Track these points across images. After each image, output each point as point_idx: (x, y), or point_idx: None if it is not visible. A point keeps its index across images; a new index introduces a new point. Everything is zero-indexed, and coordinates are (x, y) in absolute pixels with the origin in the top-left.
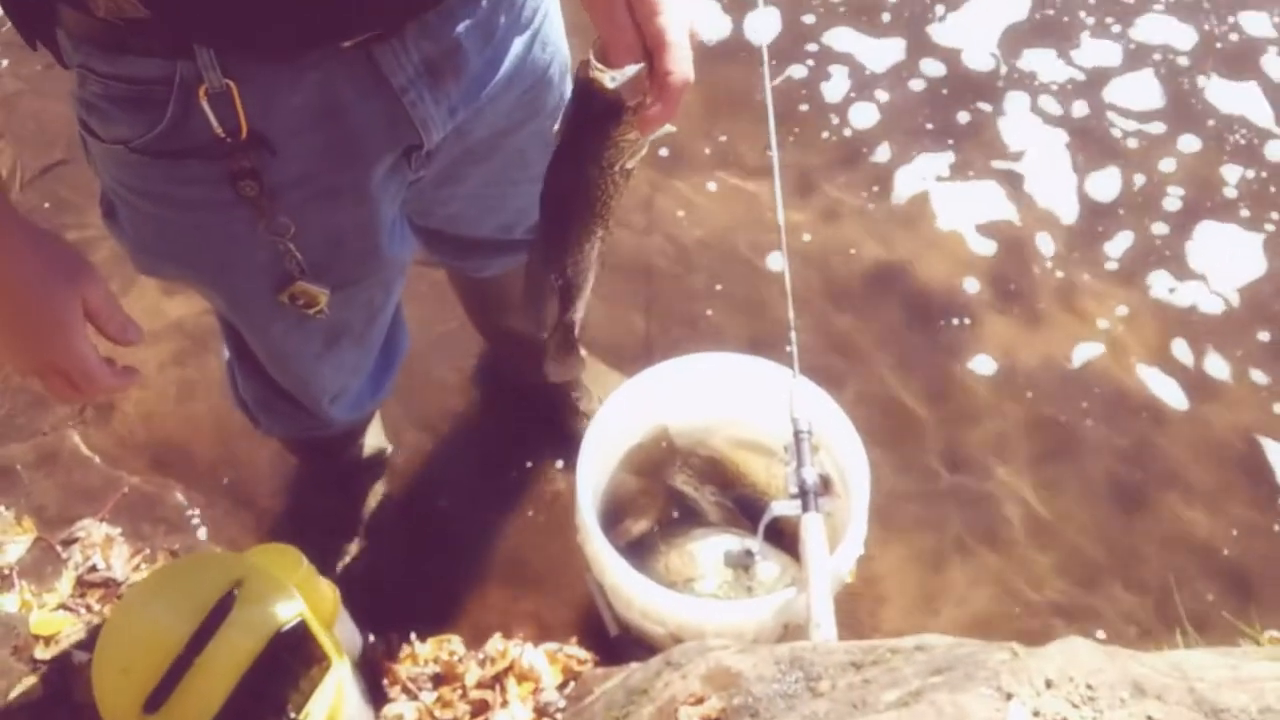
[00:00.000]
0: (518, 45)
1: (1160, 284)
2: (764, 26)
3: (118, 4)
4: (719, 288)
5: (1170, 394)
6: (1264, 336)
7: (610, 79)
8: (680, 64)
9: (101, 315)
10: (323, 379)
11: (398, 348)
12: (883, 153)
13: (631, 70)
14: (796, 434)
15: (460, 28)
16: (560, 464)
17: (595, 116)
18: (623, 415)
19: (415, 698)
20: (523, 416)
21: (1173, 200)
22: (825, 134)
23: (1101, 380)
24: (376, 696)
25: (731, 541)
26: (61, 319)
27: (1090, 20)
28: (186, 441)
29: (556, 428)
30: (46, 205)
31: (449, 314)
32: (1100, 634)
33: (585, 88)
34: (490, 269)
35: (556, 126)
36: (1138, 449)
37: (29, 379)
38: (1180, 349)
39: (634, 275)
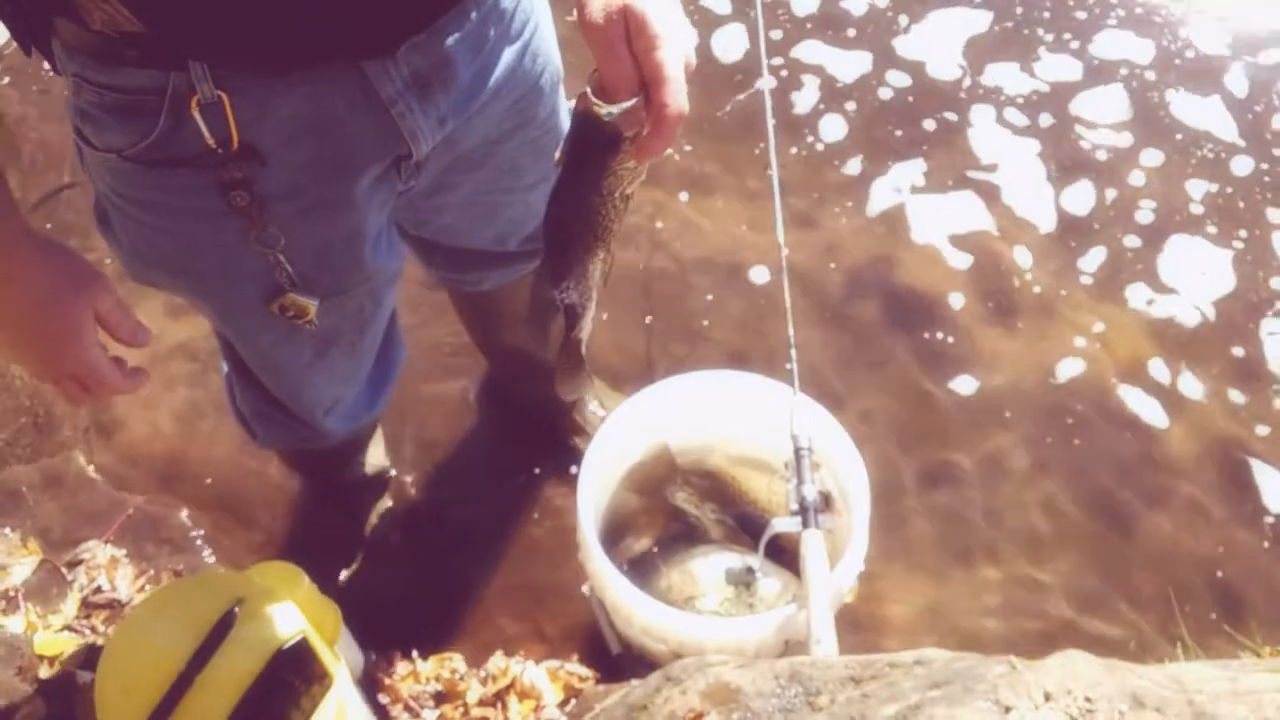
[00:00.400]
0: (508, 56)
1: (1138, 297)
2: (763, 42)
3: (113, 17)
4: (713, 304)
5: (1152, 411)
6: (1239, 352)
7: (608, 112)
8: (676, 98)
9: (112, 321)
10: (315, 389)
11: (393, 361)
12: (854, 165)
13: (628, 103)
14: (797, 451)
15: (450, 41)
16: (561, 482)
17: (594, 148)
18: (624, 433)
19: (417, 716)
20: (524, 435)
21: (1144, 214)
22: (796, 148)
23: (1086, 396)
24: (378, 715)
25: (732, 559)
26: (74, 328)
27: (1049, 37)
28: (190, 463)
29: (558, 446)
30: (51, 228)
31: (451, 333)
32: (1100, 648)
33: (584, 120)
34: (487, 282)
35: (557, 154)
36: (1127, 465)
37: (44, 384)
38: (1161, 365)
39: (634, 294)
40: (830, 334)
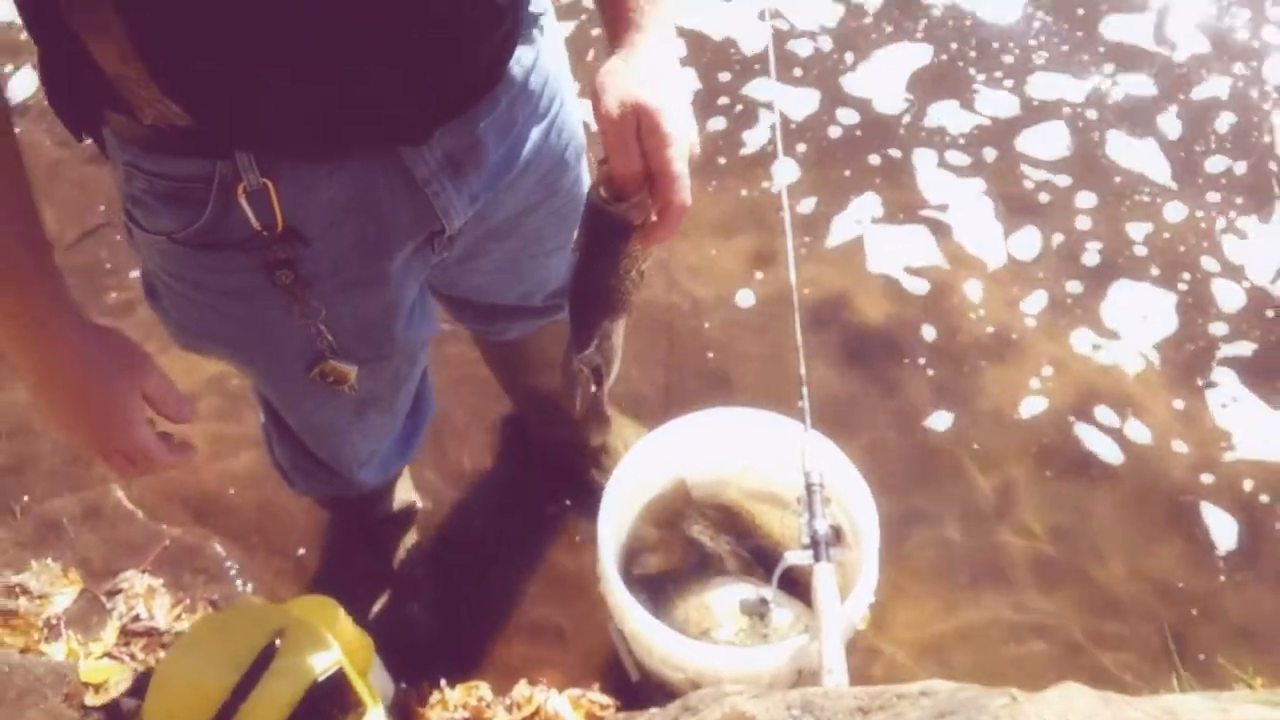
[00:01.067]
0: (535, 134)
1: (1084, 340)
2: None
3: (163, 113)
4: (729, 343)
5: (1109, 450)
6: (1179, 404)
7: (618, 207)
8: (681, 194)
9: (158, 398)
10: (353, 446)
11: (424, 412)
12: (808, 203)
13: (636, 200)
14: (808, 487)
15: (481, 125)
16: (582, 515)
17: (608, 238)
18: (642, 468)
19: None
20: (546, 470)
21: (1091, 255)
22: (748, 190)
23: (1047, 432)
24: None
25: (747, 590)
26: (123, 408)
27: (981, 76)
28: (225, 495)
29: (578, 480)
30: (88, 268)
31: (476, 372)
32: (1098, 680)
33: (597, 214)
34: (511, 333)
35: (575, 238)
36: (1093, 503)
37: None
38: (1109, 410)
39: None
40: (816, 369)
